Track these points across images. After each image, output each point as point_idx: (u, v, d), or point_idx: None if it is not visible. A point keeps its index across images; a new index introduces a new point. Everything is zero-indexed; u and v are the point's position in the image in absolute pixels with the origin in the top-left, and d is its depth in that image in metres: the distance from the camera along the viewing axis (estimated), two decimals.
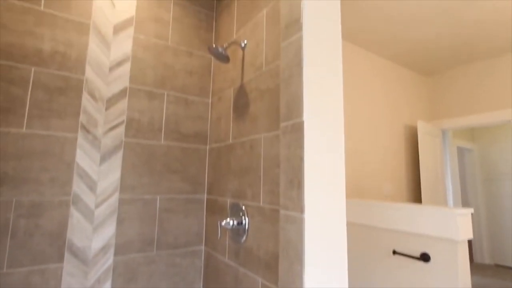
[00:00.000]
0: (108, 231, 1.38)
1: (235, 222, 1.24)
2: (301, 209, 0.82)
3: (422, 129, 3.03)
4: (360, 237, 1.90)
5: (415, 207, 1.57)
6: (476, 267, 4.69)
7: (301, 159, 0.84)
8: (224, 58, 1.39)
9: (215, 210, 1.56)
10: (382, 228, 1.75)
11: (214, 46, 1.36)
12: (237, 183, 1.35)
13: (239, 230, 1.26)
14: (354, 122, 2.67)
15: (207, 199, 1.67)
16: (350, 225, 1.97)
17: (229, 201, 1.41)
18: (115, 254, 1.38)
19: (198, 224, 1.64)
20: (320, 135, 0.88)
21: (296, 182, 0.85)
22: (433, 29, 2.49)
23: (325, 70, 0.95)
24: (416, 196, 3.11)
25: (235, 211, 1.32)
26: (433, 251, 1.49)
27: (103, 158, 1.41)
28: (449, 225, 1.42)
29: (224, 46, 1.41)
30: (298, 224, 0.82)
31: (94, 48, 1.45)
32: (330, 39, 1.00)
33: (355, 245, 1.92)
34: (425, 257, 1.51)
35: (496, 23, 2.38)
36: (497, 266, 4.78)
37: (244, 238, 1.22)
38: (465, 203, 5.46)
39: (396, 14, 2.30)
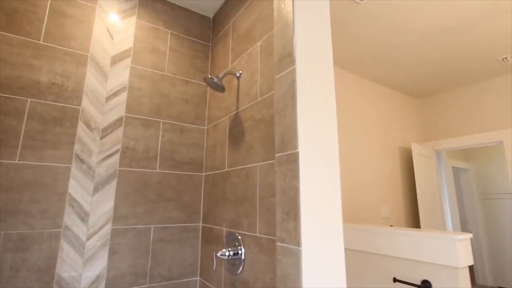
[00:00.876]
0: (99, 264, 1.33)
1: (231, 253, 1.21)
2: (298, 242, 0.81)
3: (416, 151, 3.06)
4: (359, 264, 1.85)
5: (414, 233, 1.56)
6: None
7: (297, 190, 0.84)
8: (219, 88, 1.42)
9: (210, 239, 1.52)
10: (381, 255, 1.72)
11: (209, 76, 1.39)
12: (233, 212, 1.33)
13: (235, 260, 1.22)
14: (348, 145, 2.70)
15: (202, 227, 1.64)
16: (348, 252, 1.94)
17: (225, 230, 1.39)
18: None
19: (193, 254, 1.59)
20: (316, 165, 0.89)
21: (293, 213, 0.84)
22: (424, 54, 2.59)
23: (319, 100, 0.97)
24: (414, 218, 3.08)
25: (231, 241, 1.29)
26: (434, 279, 1.46)
27: (97, 188, 1.39)
28: (449, 251, 1.40)
29: (220, 76, 1.44)
30: (295, 258, 0.80)
31: (91, 79, 1.48)
32: (323, 70, 1.03)
33: (354, 272, 1.88)
34: (426, 285, 1.48)
35: (487, 48, 2.48)
36: None
37: (241, 269, 1.18)
38: (464, 224, 5.42)
39: (387, 41, 2.39)
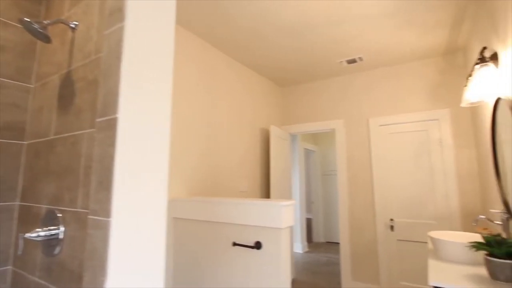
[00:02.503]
0: None
1: (47, 233, 1.04)
2: (107, 213, 0.76)
3: (274, 132, 3.47)
4: (205, 233, 1.98)
5: (249, 202, 1.77)
6: (314, 245, 5.79)
7: (112, 158, 0.78)
8: (42, 37, 1.15)
9: (29, 220, 1.27)
10: (223, 223, 1.89)
11: (27, 19, 1.10)
12: (55, 186, 1.15)
13: (51, 241, 1.07)
14: (213, 122, 2.78)
15: (19, 207, 1.35)
16: (195, 222, 2.04)
17: (45, 208, 1.18)
18: None
19: (3, 239, 1.30)
20: (139, 133, 0.85)
21: (106, 183, 0.78)
22: (286, 49, 2.90)
23: (151, 65, 0.92)
24: (267, 191, 3.53)
25: (50, 220, 1.11)
26: (264, 239, 1.72)
27: None
28: (275, 216, 1.66)
29: (45, 22, 1.17)
30: (104, 230, 0.76)
31: None
32: (160, 33, 0.98)
33: (200, 240, 2.00)
34: (258, 245, 1.72)
35: (329, 51, 2.99)
36: (328, 243, 6.05)
37: (58, 250, 1.04)
38: (309, 194, 6.64)
39: (257, 29, 2.54)
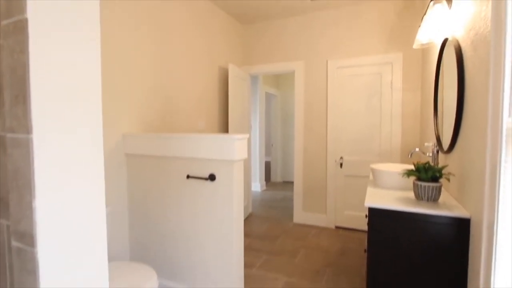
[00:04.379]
0: None
1: None
2: (27, 129, 0.68)
3: (232, 72, 3.34)
4: (159, 168, 1.97)
5: (204, 136, 1.75)
6: (271, 184, 6.17)
7: (25, 66, 0.67)
8: None
9: None
10: (178, 157, 1.87)
11: None
12: None
13: None
14: (165, 56, 2.57)
15: None
16: (149, 158, 2.00)
17: None
18: None
19: None
20: (58, 37, 0.72)
21: (22, 96, 0.68)
22: None
23: None
24: (225, 130, 3.53)
25: None
26: (218, 171, 1.75)
27: None
28: (229, 148, 1.68)
29: None
30: (25, 148, 0.68)
31: None
32: None
33: (155, 175, 1.99)
34: (212, 177, 1.75)
35: None
36: (284, 182, 6.47)
37: None
38: (268, 136, 6.83)
39: None
